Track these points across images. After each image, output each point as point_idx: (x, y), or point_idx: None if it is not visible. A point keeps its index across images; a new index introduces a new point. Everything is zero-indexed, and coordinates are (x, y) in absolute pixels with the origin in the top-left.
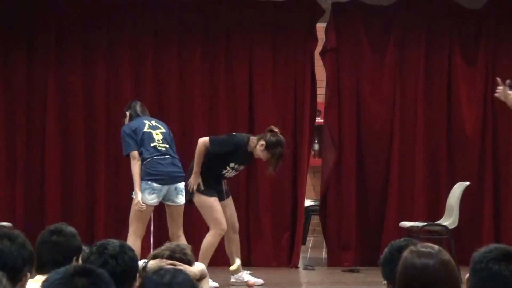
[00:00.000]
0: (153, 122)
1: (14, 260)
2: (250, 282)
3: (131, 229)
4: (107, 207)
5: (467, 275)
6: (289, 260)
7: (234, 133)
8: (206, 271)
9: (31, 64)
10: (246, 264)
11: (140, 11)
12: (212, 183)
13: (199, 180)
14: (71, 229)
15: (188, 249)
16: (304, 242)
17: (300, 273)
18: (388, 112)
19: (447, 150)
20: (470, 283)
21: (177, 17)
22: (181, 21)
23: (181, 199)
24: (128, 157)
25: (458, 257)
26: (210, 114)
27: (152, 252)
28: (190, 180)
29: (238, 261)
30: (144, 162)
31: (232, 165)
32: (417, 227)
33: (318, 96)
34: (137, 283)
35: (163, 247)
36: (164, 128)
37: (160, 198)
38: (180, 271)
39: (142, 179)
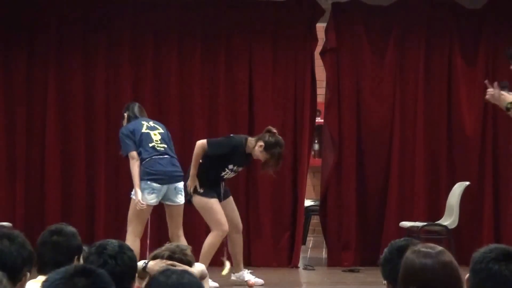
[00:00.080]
0: (151, 123)
1: (14, 260)
2: (250, 282)
3: (130, 229)
4: (107, 207)
5: (467, 275)
6: (289, 260)
7: (232, 135)
8: (206, 271)
9: (31, 64)
10: (246, 264)
11: (140, 11)
12: (210, 185)
13: (196, 183)
14: (71, 229)
15: (188, 250)
16: (304, 242)
17: (300, 273)
18: (388, 112)
19: (447, 150)
20: (470, 283)
21: (177, 17)
22: (181, 21)
23: (181, 199)
24: (127, 158)
25: (458, 257)
26: (210, 114)
27: (149, 252)
28: (188, 182)
29: (228, 264)
30: (143, 162)
31: (230, 167)
32: (417, 227)
33: (318, 96)
34: (136, 283)
35: (163, 248)
36: (162, 129)
37: (160, 198)
38: (186, 272)
39: (141, 179)
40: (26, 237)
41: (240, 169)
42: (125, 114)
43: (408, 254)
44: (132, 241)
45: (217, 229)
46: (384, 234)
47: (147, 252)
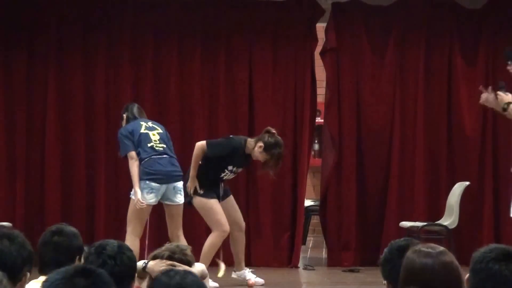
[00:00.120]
0: (150, 124)
1: (14, 260)
2: (250, 282)
3: (129, 229)
4: (107, 207)
5: (467, 275)
6: (289, 260)
7: (231, 136)
8: (206, 271)
9: (31, 64)
10: (246, 264)
11: (140, 11)
12: (210, 186)
13: (196, 184)
14: (72, 229)
15: (188, 250)
16: (304, 242)
17: (300, 273)
18: (388, 112)
19: (447, 150)
20: (470, 283)
21: (177, 17)
22: (181, 21)
23: (180, 199)
24: (125, 158)
25: (458, 257)
26: (210, 114)
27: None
28: (187, 184)
29: (222, 266)
30: (142, 162)
31: (230, 168)
32: (417, 227)
33: (318, 96)
34: (136, 283)
35: (163, 248)
36: (161, 129)
37: (159, 198)
38: (190, 272)
39: (140, 178)
40: (26, 237)
41: (239, 170)
42: (124, 115)
43: (409, 254)
44: (132, 241)
45: (218, 230)
46: (384, 234)
47: (146, 252)
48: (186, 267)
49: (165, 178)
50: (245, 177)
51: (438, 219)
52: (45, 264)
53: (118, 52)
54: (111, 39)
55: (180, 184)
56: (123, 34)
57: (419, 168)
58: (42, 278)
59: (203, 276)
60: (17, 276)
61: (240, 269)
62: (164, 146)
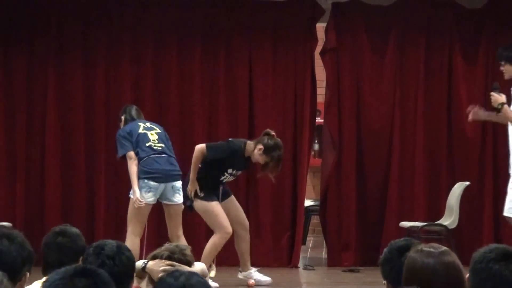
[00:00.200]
0: (148, 124)
1: (13, 260)
2: (250, 282)
3: (129, 229)
4: (107, 207)
5: (467, 275)
6: (289, 260)
7: (230, 139)
8: (207, 271)
9: (31, 64)
10: None
11: (140, 11)
12: (210, 189)
13: (196, 187)
14: (75, 229)
15: (188, 250)
16: (304, 242)
17: (300, 273)
18: (388, 112)
19: (447, 150)
20: (470, 283)
21: (177, 17)
22: (181, 21)
23: (179, 198)
24: (122, 159)
25: (458, 257)
26: (210, 114)
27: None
28: (188, 187)
29: (214, 267)
30: (141, 161)
31: (230, 171)
32: (417, 227)
33: (318, 96)
34: (135, 282)
35: (162, 248)
36: (160, 129)
37: (157, 197)
38: (195, 273)
39: (139, 178)
40: (26, 237)
41: (239, 173)
42: (122, 117)
43: (411, 253)
44: (132, 241)
45: (220, 232)
46: (384, 234)
47: (143, 252)
48: (186, 267)
49: (164, 177)
50: (245, 178)
51: (438, 219)
52: (48, 264)
53: (118, 52)
54: (111, 39)
55: (179, 183)
56: (123, 34)
57: (419, 168)
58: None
59: (203, 276)
60: (17, 276)
61: (246, 269)
62: (163, 145)
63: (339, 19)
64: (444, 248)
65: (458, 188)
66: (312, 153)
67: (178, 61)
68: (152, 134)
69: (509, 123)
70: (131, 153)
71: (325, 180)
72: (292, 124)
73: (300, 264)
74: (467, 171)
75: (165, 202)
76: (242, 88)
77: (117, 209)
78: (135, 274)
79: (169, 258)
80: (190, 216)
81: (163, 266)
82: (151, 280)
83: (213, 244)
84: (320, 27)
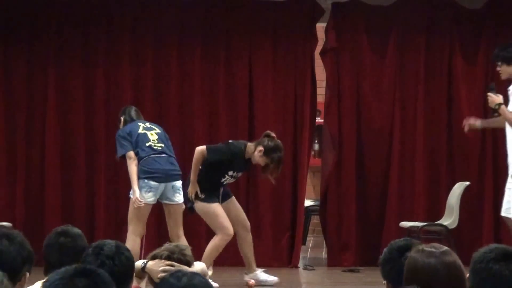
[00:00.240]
0: (148, 124)
1: (13, 260)
2: (250, 282)
3: (130, 229)
4: (107, 207)
5: (467, 275)
6: (289, 260)
7: (230, 141)
8: (207, 270)
9: (31, 64)
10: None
11: (139, 11)
12: (211, 190)
13: (197, 188)
14: (77, 230)
15: (187, 250)
16: (304, 242)
17: (300, 273)
18: (388, 112)
19: (447, 150)
20: (470, 283)
21: (177, 17)
22: (181, 21)
23: (179, 198)
24: (122, 159)
25: (458, 257)
26: (210, 114)
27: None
28: (188, 189)
29: (210, 268)
30: (141, 161)
31: (230, 173)
32: (417, 227)
33: (318, 96)
34: (134, 282)
35: (162, 248)
36: (159, 129)
37: (157, 196)
38: (197, 274)
39: (139, 177)
40: (26, 237)
41: (239, 175)
42: (122, 118)
43: (412, 253)
44: (133, 241)
45: (221, 233)
46: (384, 234)
47: (142, 252)
48: (185, 267)
49: (164, 177)
50: (245, 178)
51: (438, 219)
52: (50, 265)
53: (118, 52)
54: (111, 39)
55: (179, 183)
56: (123, 34)
57: (419, 168)
58: None
59: (203, 275)
60: (16, 276)
61: (251, 270)
62: (163, 145)
63: (339, 19)
64: (445, 248)
65: (458, 188)
66: (312, 153)
67: (178, 61)
68: (152, 134)
69: (506, 124)
70: (131, 153)
71: (325, 180)
72: (292, 124)
73: (300, 264)
74: (467, 171)
75: (165, 202)
76: (242, 88)
77: (117, 209)
78: (134, 274)
79: (168, 258)
80: (190, 216)
81: (162, 266)
82: (150, 280)
83: (214, 245)
84: (320, 27)
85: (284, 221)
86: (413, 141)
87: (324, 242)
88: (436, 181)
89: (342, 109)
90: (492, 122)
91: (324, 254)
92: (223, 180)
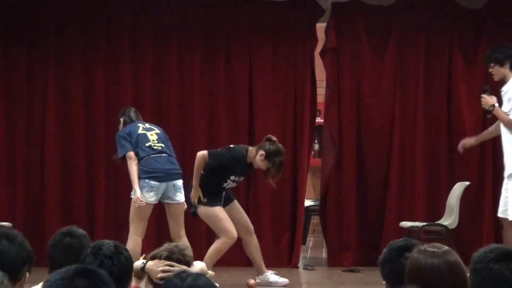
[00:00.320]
0: (147, 125)
1: (13, 260)
2: (251, 282)
3: (132, 229)
4: (107, 207)
5: (467, 275)
6: (289, 260)
7: (232, 146)
8: (207, 270)
9: (31, 64)
10: (247, 264)
11: (140, 11)
12: (213, 194)
13: (200, 193)
14: (81, 231)
15: (187, 250)
16: (304, 242)
17: (300, 273)
18: (388, 112)
19: (447, 150)
20: (470, 283)
21: (177, 17)
22: (181, 21)
23: (180, 197)
24: (123, 160)
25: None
26: (210, 114)
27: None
28: (191, 194)
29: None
30: (141, 161)
31: (232, 177)
32: (417, 227)
33: (318, 96)
34: (133, 282)
35: (161, 248)
36: (159, 130)
37: (159, 196)
38: (202, 275)
39: (139, 177)
40: (26, 237)
41: (241, 179)
42: (121, 119)
43: (414, 253)
44: (134, 240)
45: (225, 236)
46: (384, 234)
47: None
48: (185, 267)
49: (165, 176)
50: (246, 178)
51: (438, 219)
52: (55, 265)
53: (118, 52)
54: (111, 39)
55: (180, 182)
56: (123, 34)
57: (419, 168)
58: None
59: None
60: (16, 276)
61: (261, 272)
62: (163, 145)
63: (339, 19)
64: (446, 247)
65: (458, 188)
66: (312, 153)
67: (178, 61)
68: (152, 134)
69: (501, 125)
70: (131, 153)
71: (325, 180)
72: (292, 124)
73: (300, 264)
74: (467, 171)
75: (166, 201)
76: (242, 88)
77: (117, 209)
78: (134, 274)
79: (168, 258)
80: (191, 218)
81: (162, 266)
82: (150, 280)
83: (216, 248)
84: (320, 27)
85: (284, 221)
86: (413, 141)
87: (324, 242)
88: (436, 181)
89: (342, 109)
90: (487, 135)
91: (324, 254)
92: (225, 184)
